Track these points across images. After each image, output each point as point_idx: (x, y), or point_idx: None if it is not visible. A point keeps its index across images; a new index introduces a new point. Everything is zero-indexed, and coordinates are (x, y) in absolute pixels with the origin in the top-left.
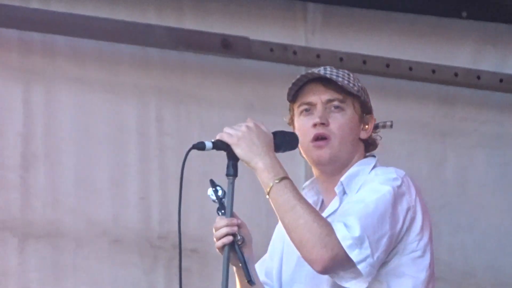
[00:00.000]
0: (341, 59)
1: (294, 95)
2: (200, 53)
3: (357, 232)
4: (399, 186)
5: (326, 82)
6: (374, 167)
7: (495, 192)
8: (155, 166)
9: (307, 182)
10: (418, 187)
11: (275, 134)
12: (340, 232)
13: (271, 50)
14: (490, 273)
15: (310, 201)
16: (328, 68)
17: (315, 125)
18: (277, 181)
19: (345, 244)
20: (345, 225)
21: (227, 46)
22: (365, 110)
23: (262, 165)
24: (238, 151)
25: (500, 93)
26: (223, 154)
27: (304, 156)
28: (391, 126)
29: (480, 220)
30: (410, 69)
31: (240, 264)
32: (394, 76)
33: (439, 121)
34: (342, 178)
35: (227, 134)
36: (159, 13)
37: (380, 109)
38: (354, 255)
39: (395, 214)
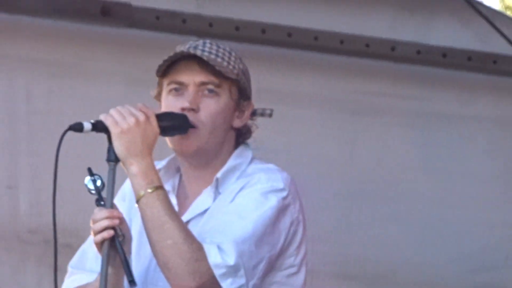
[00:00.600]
0: (237, 28)
1: (165, 69)
2: (76, 21)
3: (232, 260)
4: (285, 198)
5: (203, 61)
6: (251, 161)
7: (415, 178)
8: (24, 150)
9: (164, 162)
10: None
11: (162, 115)
12: (213, 258)
13: (157, 18)
14: (410, 271)
15: (168, 185)
16: (208, 45)
17: (183, 109)
18: (150, 190)
19: (217, 272)
20: (219, 249)
21: (106, 13)
22: (243, 95)
23: (136, 169)
24: (116, 143)
25: (418, 66)
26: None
27: (168, 141)
28: (270, 115)
29: (398, 210)
30: (316, 39)
31: (121, 262)
32: (297, 46)
33: (349, 97)
34: (219, 175)
35: (112, 120)
36: None
37: (282, 84)
38: (227, 285)
39: (275, 233)
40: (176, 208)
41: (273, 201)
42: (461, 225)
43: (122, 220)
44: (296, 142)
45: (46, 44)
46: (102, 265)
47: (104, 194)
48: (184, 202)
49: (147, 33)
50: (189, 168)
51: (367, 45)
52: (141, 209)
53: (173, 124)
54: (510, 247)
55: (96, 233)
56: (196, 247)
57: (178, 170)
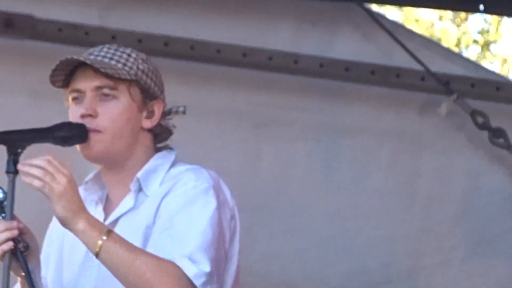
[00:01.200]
0: (139, 41)
1: (66, 79)
2: None
3: (207, 267)
4: (218, 196)
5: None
6: (174, 163)
7: (318, 192)
8: None
9: (91, 175)
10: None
11: (60, 126)
12: (191, 271)
13: (60, 30)
14: (310, 284)
15: (94, 196)
16: (105, 49)
17: (82, 116)
18: (104, 237)
19: (198, 282)
20: (192, 260)
21: (9, 25)
22: (147, 95)
23: (83, 225)
24: (57, 207)
25: (321, 80)
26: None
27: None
28: (183, 112)
29: (300, 224)
30: (218, 51)
31: (24, 274)
32: (199, 59)
33: (252, 110)
34: (139, 174)
35: (43, 184)
36: None
37: (185, 96)
38: None
39: (224, 233)
40: (103, 214)
41: (213, 199)
42: (363, 239)
43: (24, 230)
44: (199, 155)
45: None
46: (3, 278)
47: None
48: (109, 208)
49: (50, 45)
50: (107, 173)
51: (270, 58)
52: (104, 259)
53: (71, 134)
54: (412, 261)
55: None
56: (171, 267)
57: (102, 187)
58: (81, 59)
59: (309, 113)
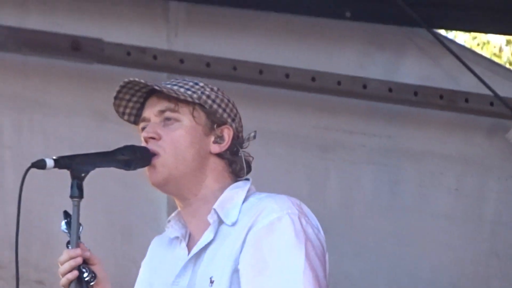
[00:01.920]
0: (208, 65)
1: (137, 114)
2: (46, 56)
3: None
4: (303, 223)
5: (160, 92)
6: (249, 190)
7: (385, 215)
8: None
9: (173, 214)
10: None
11: (124, 149)
12: None
13: (128, 53)
14: None
15: (178, 233)
16: (175, 80)
17: (145, 140)
18: None
19: None
20: None
21: (77, 48)
22: (215, 120)
23: None
24: None
25: (389, 104)
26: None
27: None
28: (254, 137)
29: (368, 247)
30: (287, 76)
31: None
32: (268, 84)
33: (320, 134)
34: (215, 206)
35: None
36: None
37: (253, 120)
38: None
39: (319, 263)
40: (186, 251)
41: (301, 234)
42: (430, 262)
43: (91, 258)
44: (266, 180)
45: (16, 78)
46: None
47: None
48: (192, 243)
49: (118, 68)
50: (182, 207)
51: (339, 83)
52: None
53: (135, 157)
54: (480, 285)
55: (62, 275)
56: None
57: (184, 225)
58: (136, 79)
59: (376, 137)
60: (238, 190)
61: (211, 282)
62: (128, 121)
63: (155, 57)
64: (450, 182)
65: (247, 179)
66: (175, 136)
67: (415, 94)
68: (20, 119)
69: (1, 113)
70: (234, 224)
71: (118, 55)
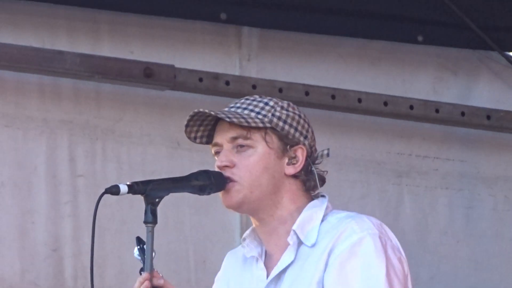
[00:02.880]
0: (280, 90)
1: (208, 135)
2: (119, 83)
3: None
4: (385, 244)
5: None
6: (327, 208)
7: (459, 240)
8: (68, 213)
9: (248, 232)
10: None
11: (198, 174)
12: None
13: (200, 79)
14: None
15: (254, 252)
16: (243, 100)
17: (219, 168)
18: None
19: None
20: None
21: (149, 75)
22: (287, 142)
23: None
24: None
25: (462, 128)
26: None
27: None
28: (327, 154)
29: (444, 273)
30: (359, 101)
31: None
32: (341, 109)
33: (393, 159)
34: (295, 227)
35: None
36: (72, 38)
37: (326, 146)
38: None
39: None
40: (265, 270)
41: (382, 254)
42: (507, 287)
43: (165, 287)
44: (341, 205)
45: (89, 106)
46: None
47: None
48: (271, 261)
49: (190, 95)
50: (259, 226)
51: (411, 107)
52: None
53: (209, 183)
54: None
55: None
56: None
57: (260, 243)
58: (207, 111)
59: (450, 161)
60: (316, 210)
61: None
62: (201, 143)
63: (227, 83)
64: None
65: (323, 196)
66: (249, 164)
67: (488, 118)
68: (93, 148)
69: (75, 142)
70: (313, 245)
71: (190, 82)
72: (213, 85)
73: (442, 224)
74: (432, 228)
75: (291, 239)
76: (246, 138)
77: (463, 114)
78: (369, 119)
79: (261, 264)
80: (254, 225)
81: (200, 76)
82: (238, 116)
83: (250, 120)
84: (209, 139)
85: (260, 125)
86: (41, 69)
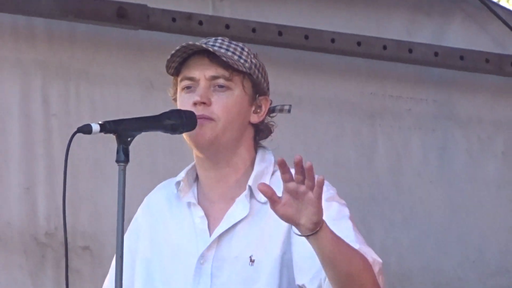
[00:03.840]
0: (253, 30)
1: (177, 67)
2: (92, 23)
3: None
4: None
5: (213, 56)
6: (275, 165)
7: (433, 182)
8: (41, 153)
9: (182, 174)
10: None
11: (170, 113)
12: (377, 260)
13: (173, 19)
14: (427, 274)
15: (191, 198)
16: (219, 40)
17: (195, 103)
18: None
19: (379, 270)
20: (365, 253)
21: (122, 15)
22: (257, 90)
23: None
24: None
25: (436, 69)
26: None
27: (185, 138)
28: (288, 110)
29: (416, 215)
30: (333, 41)
31: None
32: (314, 49)
33: (367, 100)
34: (250, 182)
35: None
36: None
37: (299, 86)
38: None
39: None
40: (205, 219)
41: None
42: (479, 228)
43: None
44: (313, 146)
45: (62, 46)
46: None
47: None
48: (212, 209)
49: (163, 35)
50: (210, 169)
51: (385, 47)
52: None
53: (181, 122)
54: None
55: None
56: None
57: (195, 180)
58: (204, 46)
59: (423, 102)
60: (267, 165)
61: (251, 261)
62: (170, 73)
63: (200, 23)
64: (498, 147)
65: (266, 148)
66: (227, 105)
67: (461, 58)
68: (66, 88)
69: (48, 82)
70: (266, 202)
71: (163, 22)
72: (186, 25)
73: (415, 165)
74: (406, 169)
75: (247, 194)
76: (227, 79)
77: (436, 54)
78: (342, 59)
79: (200, 211)
80: (199, 168)
81: (173, 16)
82: (227, 56)
83: (237, 62)
84: (175, 71)
85: (243, 69)
86: (16, 9)
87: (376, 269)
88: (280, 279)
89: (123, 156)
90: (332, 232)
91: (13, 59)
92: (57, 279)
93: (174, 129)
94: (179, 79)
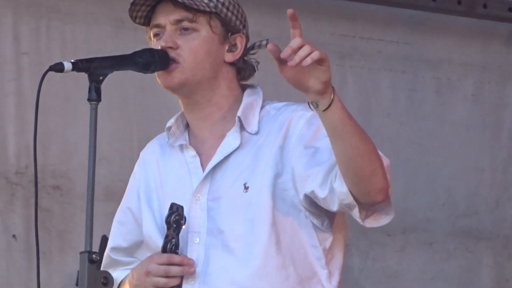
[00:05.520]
0: None
1: (147, 16)
2: None
3: None
4: None
5: (176, 1)
6: (265, 101)
7: (402, 122)
8: (11, 91)
9: (172, 120)
10: None
11: (142, 52)
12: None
13: None
14: (396, 216)
15: (182, 140)
16: None
17: (162, 49)
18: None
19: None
20: None
21: None
22: (229, 28)
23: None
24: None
25: (407, 10)
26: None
27: (158, 81)
28: (266, 45)
29: (385, 154)
30: None
31: None
32: None
33: (337, 41)
34: (239, 113)
35: (320, 53)
36: None
37: (268, 27)
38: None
39: None
40: (197, 157)
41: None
42: (448, 170)
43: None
44: (284, 88)
45: None
46: None
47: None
48: (203, 147)
49: None
50: (192, 111)
51: None
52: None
53: (153, 60)
54: (499, 192)
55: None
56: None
57: (186, 126)
58: None
59: (394, 43)
60: (256, 98)
61: (246, 188)
62: (139, 23)
63: None
64: (468, 89)
65: (254, 85)
66: (193, 46)
67: (433, 0)
68: (37, 26)
69: (19, 19)
70: (256, 132)
71: None
72: None
73: (385, 105)
74: (375, 110)
75: (236, 125)
76: (191, 21)
77: None
78: (312, 0)
79: (192, 151)
80: (184, 111)
81: None
82: None
83: (198, 3)
84: (145, 21)
85: (207, 9)
86: None
87: (384, 162)
88: (273, 201)
89: (95, 95)
90: (342, 103)
91: None
92: (27, 217)
93: (146, 68)
94: (149, 28)
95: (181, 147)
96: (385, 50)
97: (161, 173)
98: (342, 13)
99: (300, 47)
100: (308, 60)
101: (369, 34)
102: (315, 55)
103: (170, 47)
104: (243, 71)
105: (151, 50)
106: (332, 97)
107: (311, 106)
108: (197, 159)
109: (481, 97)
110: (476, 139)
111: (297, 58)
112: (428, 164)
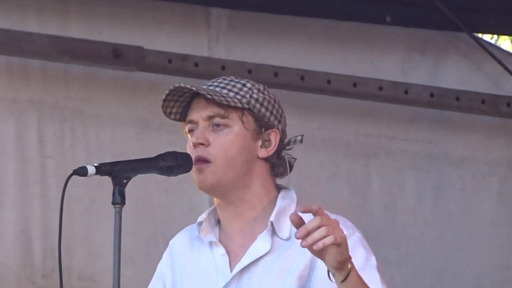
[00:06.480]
0: (249, 71)
1: (182, 112)
2: (88, 64)
3: None
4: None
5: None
6: (297, 203)
7: (427, 221)
8: (36, 193)
9: (204, 215)
10: None
11: (166, 155)
12: None
13: (169, 61)
14: None
15: (212, 237)
16: (220, 79)
17: (194, 145)
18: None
19: None
20: None
21: (118, 56)
22: (263, 124)
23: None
24: (342, 252)
25: (430, 109)
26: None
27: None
28: (301, 141)
29: (411, 253)
30: (329, 82)
31: None
32: (310, 90)
33: (362, 140)
34: (272, 218)
35: (333, 237)
36: (40, 19)
37: (295, 127)
38: None
39: None
40: (226, 256)
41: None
42: (474, 267)
43: None
44: (308, 186)
45: (57, 87)
46: None
47: None
48: (232, 245)
49: (159, 76)
50: (225, 208)
51: (380, 88)
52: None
53: (177, 164)
54: None
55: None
56: None
57: (217, 222)
58: (188, 86)
59: (418, 142)
60: (289, 202)
61: None
62: (175, 119)
63: (196, 65)
64: (493, 187)
65: (289, 188)
66: (225, 143)
67: (457, 99)
68: (62, 128)
69: (44, 123)
70: (288, 238)
71: (159, 63)
72: (182, 66)
73: (410, 204)
74: (400, 209)
75: (268, 230)
76: (223, 117)
77: (432, 95)
78: (337, 100)
79: (221, 249)
80: (217, 207)
81: (169, 58)
82: (218, 94)
83: (229, 99)
84: (182, 116)
85: (239, 105)
86: (10, 50)
87: None
88: None
89: (119, 198)
90: (359, 276)
91: (8, 99)
92: None
93: (170, 171)
94: (184, 123)
95: (211, 243)
96: (410, 149)
97: (187, 267)
98: (366, 113)
99: (316, 228)
100: (320, 245)
101: (393, 133)
102: (329, 240)
103: (201, 143)
104: (277, 167)
105: (174, 153)
106: (348, 271)
107: (329, 275)
108: (226, 258)
109: (506, 194)
110: (502, 236)
111: (309, 239)
112: (454, 261)
